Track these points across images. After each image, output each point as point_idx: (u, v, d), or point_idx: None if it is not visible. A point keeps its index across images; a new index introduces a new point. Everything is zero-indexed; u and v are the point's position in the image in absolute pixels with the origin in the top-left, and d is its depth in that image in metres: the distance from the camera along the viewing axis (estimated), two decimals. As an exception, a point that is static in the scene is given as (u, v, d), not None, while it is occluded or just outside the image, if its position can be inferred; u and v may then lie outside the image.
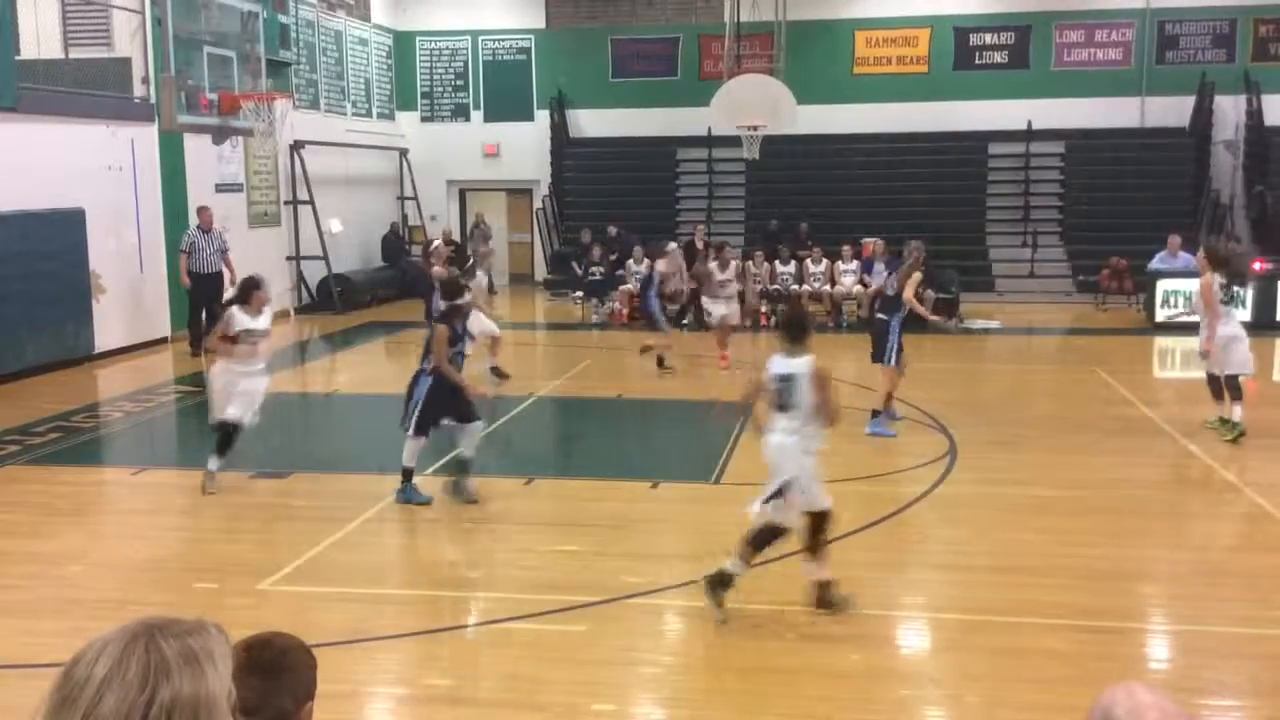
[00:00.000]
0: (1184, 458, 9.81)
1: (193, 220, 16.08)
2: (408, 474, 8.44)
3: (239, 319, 8.66)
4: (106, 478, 9.95)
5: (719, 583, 6.13)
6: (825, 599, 6.20)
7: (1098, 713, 2.13)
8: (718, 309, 14.46)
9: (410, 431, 8.37)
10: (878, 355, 10.90)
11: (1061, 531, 7.70)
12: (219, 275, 15.79)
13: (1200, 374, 11.16)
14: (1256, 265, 17.84)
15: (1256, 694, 5.44)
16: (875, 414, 10.68)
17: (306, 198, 20.41)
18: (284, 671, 2.44)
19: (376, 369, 15.77)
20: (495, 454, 10.17)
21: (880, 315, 11.17)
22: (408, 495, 8.43)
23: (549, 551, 7.44)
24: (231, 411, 8.68)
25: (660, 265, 14.76)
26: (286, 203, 20.33)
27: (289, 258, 20.48)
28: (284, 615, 6.09)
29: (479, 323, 12.17)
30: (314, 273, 20.71)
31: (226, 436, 8.74)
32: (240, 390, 8.73)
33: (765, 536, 6.21)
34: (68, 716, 1.45)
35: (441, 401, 8.35)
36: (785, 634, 6.04)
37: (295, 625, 5.65)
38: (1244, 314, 17.17)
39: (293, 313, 20.08)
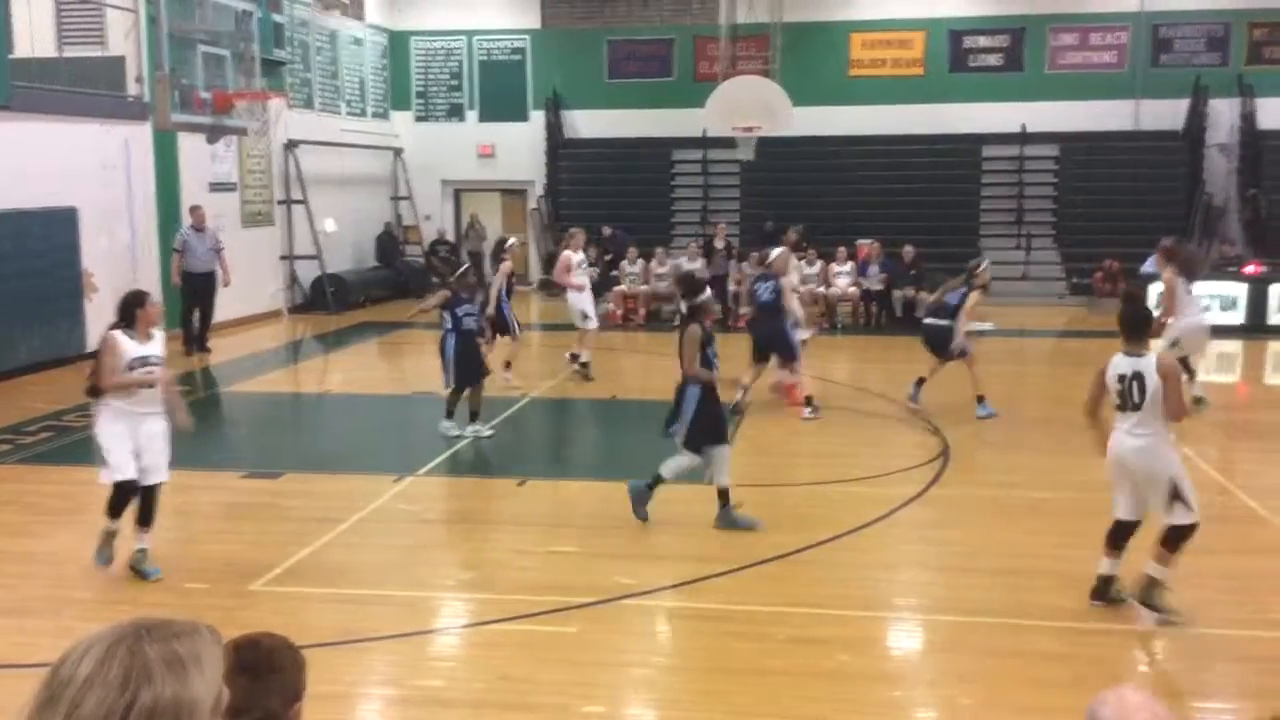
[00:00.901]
0: (1177, 460, 9.81)
1: (185, 219, 16.05)
2: (725, 495, 7.76)
3: (125, 346, 6.66)
4: (98, 477, 9.90)
5: (1151, 588, 6.07)
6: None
7: (1089, 715, 2.14)
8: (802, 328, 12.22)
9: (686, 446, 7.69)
10: (946, 353, 11.42)
11: (1054, 533, 7.70)
12: (212, 275, 15.77)
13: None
14: (1249, 269, 17.90)
15: (1246, 697, 5.44)
16: (980, 399, 11.38)
17: (300, 197, 20.39)
18: (272, 672, 2.43)
19: (370, 370, 15.75)
20: (489, 455, 10.18)
21: (941, 321, 11.57)
22: (733, 520, 7.70)
23: (542, 552, 7.42)
24: (129, 469, 6.78)
25: (787, 280, 11.73)
26: (280, 202, 20.30)
27: (283, 257, 20.45)
28: (275, 616, 6.08)
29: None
30: (307, 272, 20.69)
31: (123, 497, 6.88)
32: (140, 438, 6.81)
33: (1183, 535, 6.07)
34: (50, 715, 1.45)
35: (713, 414, 7.72)
36: (777, 635, 6.03)
37: (286, 626, 5.64)
38: (1239, 316, 17.33)
39: (286, 312, 20.06)
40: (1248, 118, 22.22)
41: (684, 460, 7.75)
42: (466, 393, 10.48)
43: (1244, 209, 22.19)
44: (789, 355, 11.49)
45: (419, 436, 10.80)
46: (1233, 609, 6.36)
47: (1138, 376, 6.00)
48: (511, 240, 13.70)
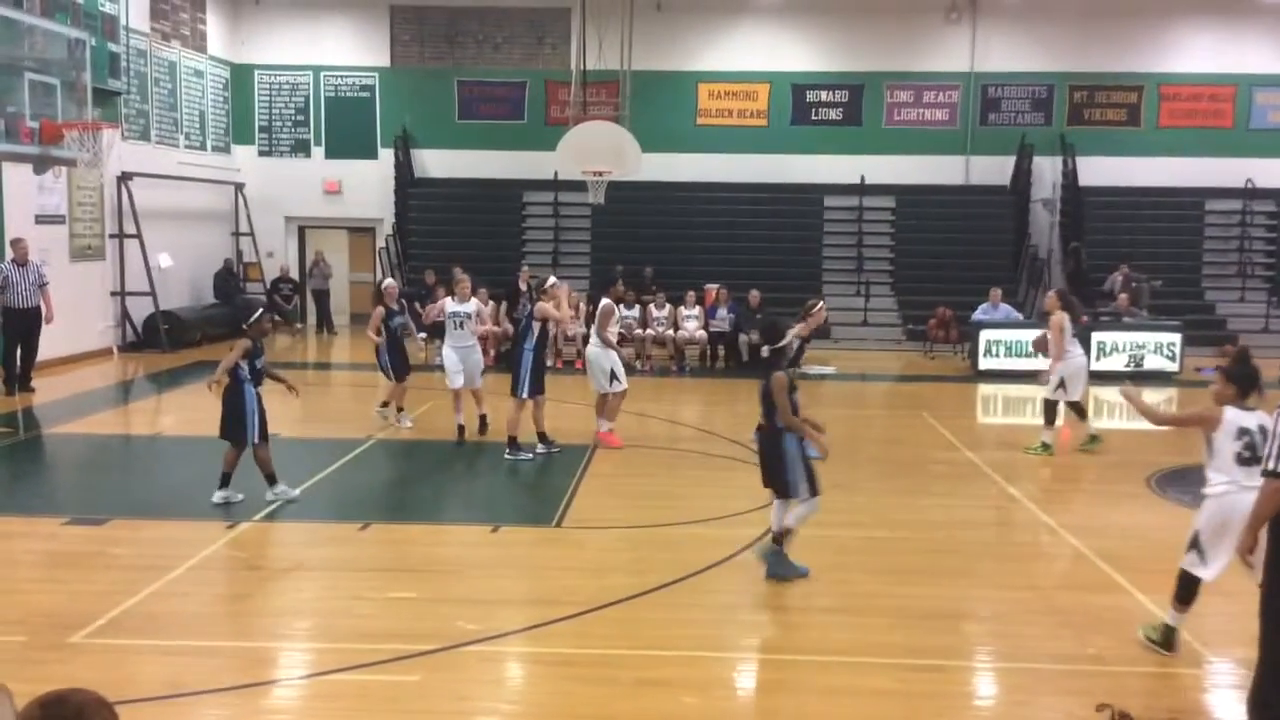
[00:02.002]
0: (1005, 500, 10.23)
1: (7, 253, 15.25)
2: (779, 539, 7.66)
3: None
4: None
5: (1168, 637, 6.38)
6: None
7: None
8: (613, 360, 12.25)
9: (804, 494, 7.55)
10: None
11: (891, 572, 7.93)
12: (36, 310, 15.02)
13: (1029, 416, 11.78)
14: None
15: (1071, 727, 5.67)
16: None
17: (134, 231, 19.63)
18: (82, 730, 2.30)
19: (205, 410, 15.10)
20: (330, 500, 9.90)
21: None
22: (783, 568, 7.62)
23: (382, 599, 7.24)
24: None
25: (539, 307, 11.63)
26: (112, 236, 19.50)
27: (114, 293, 19.61)
28: (96, 670, 5.75)
29: None
30: (140, 309, 19.88)
31: None
32: None
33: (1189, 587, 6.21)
34: None
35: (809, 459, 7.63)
36: (623, 678, 6.01)
37: (109, 680, 5.36)
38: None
39: (116, 351, 19.21)
40: (1069, 174, 23.60)
41: (805, 509, 7.63)
42: (233, 451, 9.38)
43: (1066, 261, 23.48)
44: (516, 388, 11.52)
45: (256, 480, 10.43)
46: (1057, 643, 6.62)
47: (1263, 430, 5.92)
48: (388, 281, 13.65)
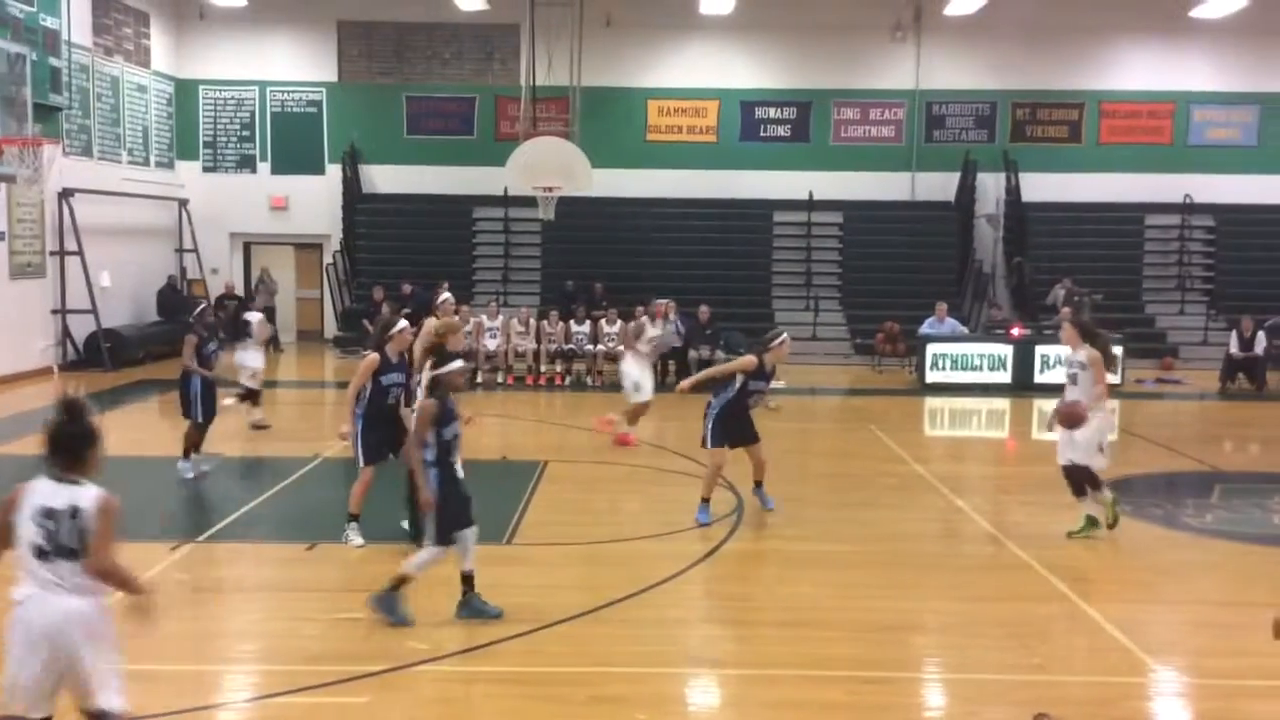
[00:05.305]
0: (953, 512, 10.34)
1: (-56, 270, 14.96)
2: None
3: None
4: None
5: None
6: None
7: None
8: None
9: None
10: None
11: (840, 585, 7.97)
12: (-27, 329, 14.71)
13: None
14: (1015, 331, 19.14)
15: (1017, 737, 5.72)
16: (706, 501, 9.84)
17: (75, 248, 19.31)
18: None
19: (148, 430, 14.93)
20: (277, 519, 9.78)
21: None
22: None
23: (330, 620, 7.15)
24: None
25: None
26: (53, 253, 19.17)
27: (54, 311, 19.27)
28: (34, 697, 5.62)
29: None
30: (82, 327, 19.55)
31: None
32: None
33: None
34: None
35: None
36: (575, 696, 5.99)
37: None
38: (1007, 376, 18.46)
39: (56, 370, 18.86)
40: (1012, 191, 23.97)
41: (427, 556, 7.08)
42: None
43: (1010, 275, 23.83)
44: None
45: (201, 500, 10.30)
46: (1004, 654, 6.69)
47: (76, 513, 4.53)
48: (403, 323, 10.22)
